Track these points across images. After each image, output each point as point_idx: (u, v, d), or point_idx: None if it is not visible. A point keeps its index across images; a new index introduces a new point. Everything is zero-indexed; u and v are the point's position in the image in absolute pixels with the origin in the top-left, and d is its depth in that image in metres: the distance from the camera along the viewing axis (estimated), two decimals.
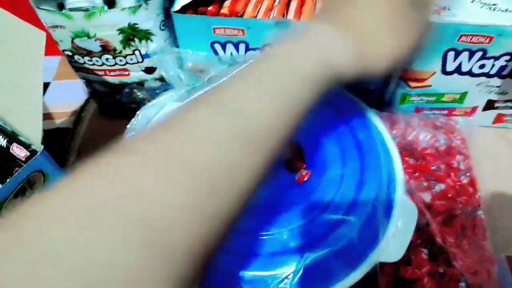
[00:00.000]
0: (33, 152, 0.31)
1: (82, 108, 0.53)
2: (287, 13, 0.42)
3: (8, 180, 0.28)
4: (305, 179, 0.33)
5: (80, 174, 0.17)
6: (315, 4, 0.43)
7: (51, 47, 0.38)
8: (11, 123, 0.32)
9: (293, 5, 0.42)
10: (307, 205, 0.31)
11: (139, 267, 0.15)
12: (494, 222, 0.40)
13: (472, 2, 0.39)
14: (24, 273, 0.14)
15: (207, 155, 0.19)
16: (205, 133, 0.20)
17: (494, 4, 0.39)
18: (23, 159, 0.31)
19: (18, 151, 0.31)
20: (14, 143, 0.32)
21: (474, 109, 0.47)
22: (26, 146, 0.31)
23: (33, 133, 0.30)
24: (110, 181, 0.17)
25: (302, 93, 0.24)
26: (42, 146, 0.30)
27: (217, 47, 0.42)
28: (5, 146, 0.32)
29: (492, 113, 0.47)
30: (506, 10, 0.38)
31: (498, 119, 0.48)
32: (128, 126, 0.38)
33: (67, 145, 0.47)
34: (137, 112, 0.38)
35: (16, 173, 0.29)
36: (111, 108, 0.50)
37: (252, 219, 0.30)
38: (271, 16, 0.41)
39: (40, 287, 0.14)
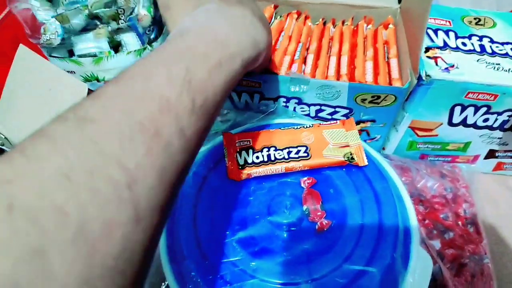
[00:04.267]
0: None
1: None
2: (305, 65, 0.44)
3: None
4: (325, 228, 0.34)
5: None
6: (329, 57, 0.45)
7: None
8: None
9: (310, 58, 0.44)
10: (328, 255, 0.32)
11: None
12: (498, 269, 0.42)
13: (477, 61, 0.42)
14: None
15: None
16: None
17: (498, 64, 0.42)
18: None
19: None
20: None
21: (476, 157, 0.49)
22: None
23: None
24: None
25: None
26: None
27: (233, 94, 0.44)
28: None
29: (493, 161, 0.50)
30: (509, 69, 0.41)
31: (498, 166, 0.51)
32: None
33: None
34: None
35: None
36: None
37: (275, 268, 0.31)
38: (292, 69, 0.43)
39: None
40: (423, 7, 0.38)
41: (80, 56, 0.40)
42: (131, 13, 0.37)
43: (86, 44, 0.39)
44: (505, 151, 0.48)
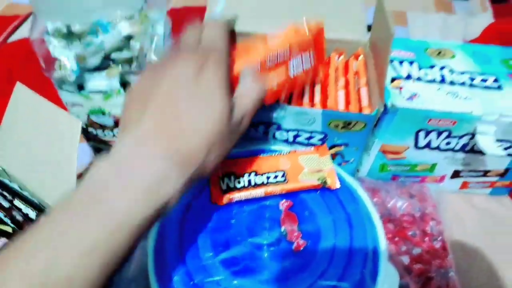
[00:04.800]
0: None
1: (86, 171, 0.56)
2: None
3: None
4: (301, 248, 0.37)
5: None
6: (303, 87, 0.49)
7: None
8: (41, 195, 0.35)
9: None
10: (304, 273, 0.35)
11: None
12: (467, 282, 0.45)
13: (438, 90, 0.46)
14: None
15: None
16: None
17: (456, 92, 0.46)
18: None
19: None
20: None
21: (443, 177, 0.53)
22: None
23: None
24: None
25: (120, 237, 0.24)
26: None
27: None
28: (34, 217, 0.35)
29: (459, 181, 0.54)
30: (466, 97, 0.46)
31: (464, 185, 0.55)
32: None
33: None
34: None
35: None
36: None
37: (256, 285, 0.34)
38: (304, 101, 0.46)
39: None
40: (386, 43, 0.42)
41: (91, 92, 0.42)
42: (144, 58, 0.40)
43: (99, 82, 0.41)
44: (469, 170, 0.52)
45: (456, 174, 0.53)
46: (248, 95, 0.31)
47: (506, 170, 0.51)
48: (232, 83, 0.31)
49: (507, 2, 0.93)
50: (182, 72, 0.28)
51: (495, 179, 0.53)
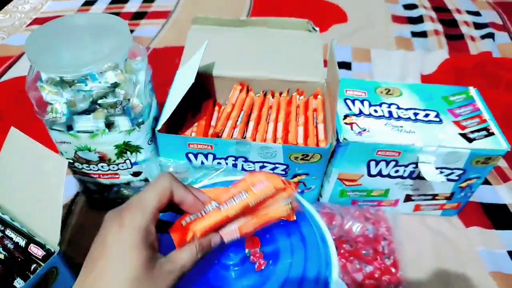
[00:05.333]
0: (48, 251, 0.39)
1: (72, 201, 0.61)
2: (246, 130, 0.54)
3: (32, 276, 0.36)
4: (263, 267, 0.42)
5: None
6: (268, 123, 0.55)
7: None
8: (30, 226, 0.40)
9: (251, 125, 0.54)
10: None
11: None
12: None
13: (385, 125, 0.53)
14: None
15: None
16: None
17: (401, 126, 0.53)
18: (40, 257, 0.39)
19: (36, 250, 0.39)
20: (31, 244, 0.40)
21: (396, 201, 0.59)
22: (42, 246, 0.40)
23: (52, 236, 0.38)
24: None
25: None
26: (59, 248, 0.39)
27: (191, 156, 0.53)
28: (23, 245, 0.40)
29: (411, 204, 0.60)
30: (409, 131, 0.52)
31: (417, 208, 0.61)
32: None
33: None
34: None
35: (39, 270, 0.37)
36: (99, 203, 0.59)
37: None
38: (234, 133, 0.52)
39: None
40: (335, 87, 0.49)
41: (79, 131, 0.48)
42: (127, 103, 0.46)
43: (86, 123, 0.47)
44: (419, 195, 0.58)
45: (408, 198, 0.59)
46: (181, 257, 0.33)
47: (452, 193, 0.58)
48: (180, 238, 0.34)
49: (461, 40, 1.02)
50: (103, 232, 0.31)
51: (443, 202, 0.59)
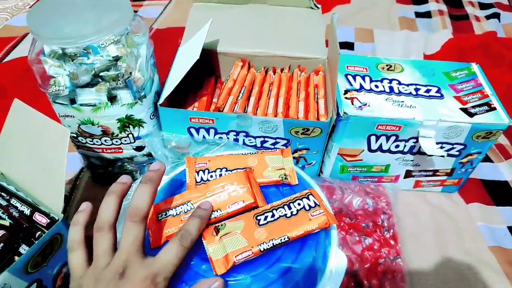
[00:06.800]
0: (52, 219, 0.40)
1: (77, 177, 0.62)
2: (247, 105, 0.54)
3: (35, 242, 0.37)
4: None
5: None
6: (269, 99, 0.55)
7: None
8: (35, 195, 0.41)
9: (252, 100, 0.54)
10: (264, 257, 0.41)
11: None
12: (415, 269, 0.51)
13: (386, 100, 0.53)
14: None
15: None
16: None
17: (402, 101, 0.53)
18: (45, 225, 0.40)
19: (40, 218, 0.40)
20: (36, 212, 0.40)
21: (397, 177, 0.59)
22: (46, 214, 0.40)
23: (56, 204, 0.39)
24: None
25: None
26: (62, 215, 0.40)
27: (192, 131, 0.53)
28: (28, 214, 0.41)
29: (412, 180, 0.60)
30: (410, 106, 0.52)
31: (417, 184, 0.61)
32: None
33: (64, 211, 0.55)
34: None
35: (42, 236, 0.38)
36: (103, 178, 0.60)
37: None
38: (235, 108, 0.53)
39: None
40: (336, 61, 0.49)
41: (82, 105, 0.48)
42: (129, 76, 0.46)
43: (88, 96, 0.47)
44: (419, 171, 0.59)
45: (408, 174, 0.59)
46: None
47: (453, 169, 0.58)
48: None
49: (466, 20, 1.01)
50: None
51: (444, 178, 0.60)
